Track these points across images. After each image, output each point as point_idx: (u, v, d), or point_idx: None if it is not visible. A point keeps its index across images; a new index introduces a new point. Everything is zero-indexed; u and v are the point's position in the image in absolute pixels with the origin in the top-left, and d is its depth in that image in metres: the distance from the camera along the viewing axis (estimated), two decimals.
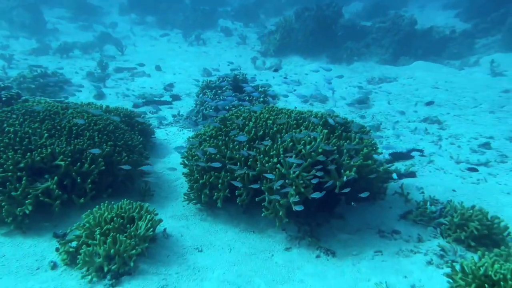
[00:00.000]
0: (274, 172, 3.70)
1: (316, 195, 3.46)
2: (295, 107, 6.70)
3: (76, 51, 12.84)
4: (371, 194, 4.68)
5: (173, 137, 6.16)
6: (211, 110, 6.27)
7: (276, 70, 10.34)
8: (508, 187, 4.45)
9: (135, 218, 3.16)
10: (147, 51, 14.67)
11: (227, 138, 4.04)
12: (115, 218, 3.04)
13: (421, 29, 13.91)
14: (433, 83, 10.29)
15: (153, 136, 5.75)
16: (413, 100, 8.77)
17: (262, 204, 3.73)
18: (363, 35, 14.09)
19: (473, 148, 5.73)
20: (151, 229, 3.08)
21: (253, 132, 3.99)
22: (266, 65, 13.30)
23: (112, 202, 3.35)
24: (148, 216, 3.15)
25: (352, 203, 3.90)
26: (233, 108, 6.13)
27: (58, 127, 3.99)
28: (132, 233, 2.98)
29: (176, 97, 8.53)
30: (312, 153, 3.74)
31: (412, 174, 4.87)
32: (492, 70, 10.95)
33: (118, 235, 2.91)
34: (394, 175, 4.29)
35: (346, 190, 3.66)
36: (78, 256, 2.91)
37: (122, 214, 3.15)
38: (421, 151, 5.65)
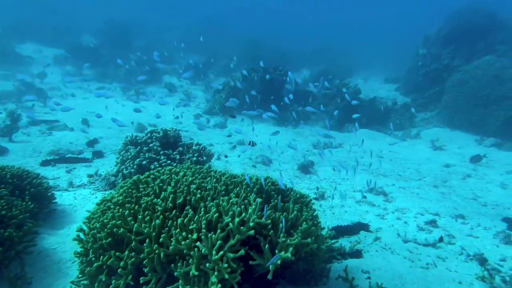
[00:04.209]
0: (192, 252, 3.07)
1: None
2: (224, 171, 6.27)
3: None
4: (312, 277, 4.17)
5: (82, 203, 5.29)
6: (132, 170, 5.59)
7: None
8: (459, 274, 4.18)
9: None
10: (77, 103, 13.85)
11: (136, 206, 3.39)
12: None
13: (365, 98, 14.80)
14: (378, 152, 10.58)
15: (53, 201, 4.87)
16: (358, 169, 8.79)
17: None
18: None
19: (420, 225, 5.58)
20: None
21: (170, 199, 3.39)
22: (210, 123, 13.07)
23: None
24: None
25: None
26: (159, 168, 5.54)
27: None
28: None
29: (98, 154, 7.71)
30: (242, 227, 3.21)
31: (357, 253, 4.47)
32: (432, 144, 11.64)
33: None
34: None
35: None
36: None
37: None
38: (367, 225, 5.35)
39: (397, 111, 14.87)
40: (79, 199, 5.39)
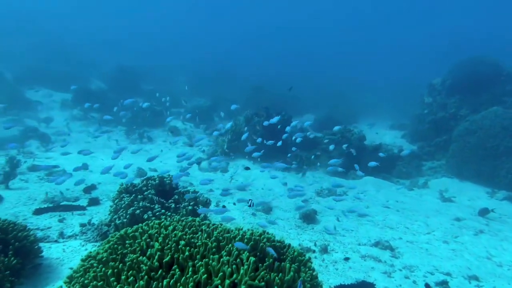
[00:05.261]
0: None
1: None
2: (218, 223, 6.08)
3: None
4: None
5: (70, 256, 5.08)
6: (124, 220, 5.42)
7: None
8: None
9: None
10: (79, 147, 13.94)
11: (121, 265, 3.21)
12: None
13: (371, 144, 14.72)
14: (384, 202, 10.30)
15: (40, 255, 4.68)
16: (364, 219, 8.50)
17: None
18: (313, 145, 14.59)
19: (430, 286, 5.23)
20: None
21: (156, 257, 3.22)
22: (212, 167, 13.00)
23: None
24: None
25: None
26: (153, 218, 5.40)
27: None
28: None
29: (94, 201, 7.58)
30: None
31: None
32: (441, 195, 11.31)
33: None
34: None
35: None
36: None
37: None
38: (372, 285, 5.03)
39: (404, 159, 14.70)
40: (68, 251, 5.19)
